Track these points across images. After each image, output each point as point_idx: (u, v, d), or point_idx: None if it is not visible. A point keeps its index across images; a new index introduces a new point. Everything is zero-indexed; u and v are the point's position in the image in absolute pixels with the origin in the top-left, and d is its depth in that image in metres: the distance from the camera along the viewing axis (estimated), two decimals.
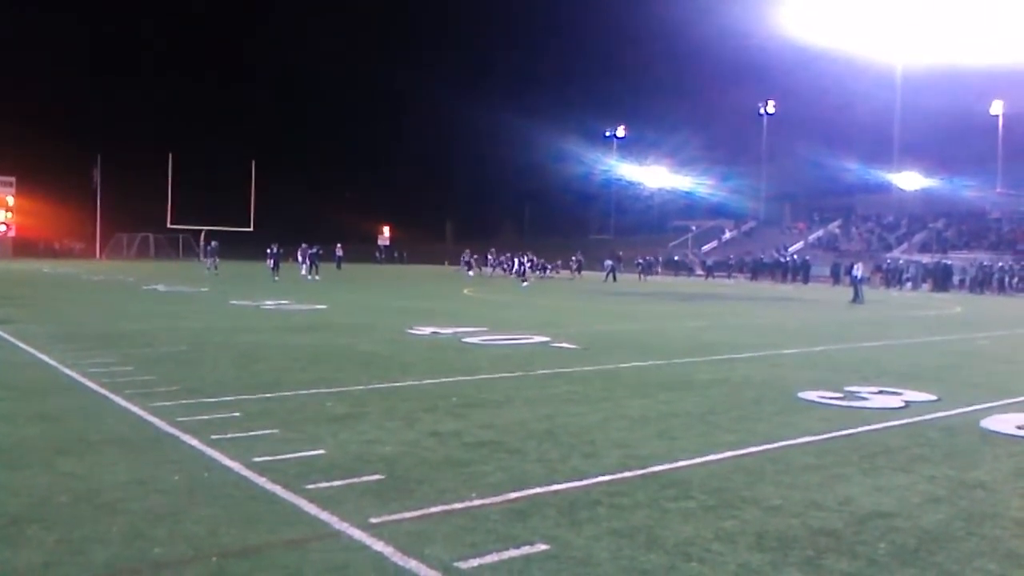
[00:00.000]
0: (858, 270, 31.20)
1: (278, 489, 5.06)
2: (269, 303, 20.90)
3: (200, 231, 69.47)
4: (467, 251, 54.67)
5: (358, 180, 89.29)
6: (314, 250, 33.49)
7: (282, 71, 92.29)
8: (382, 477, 5.37)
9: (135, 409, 7.34)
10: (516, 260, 42.91)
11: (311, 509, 4.71)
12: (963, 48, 62.26)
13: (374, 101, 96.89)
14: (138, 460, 5.71)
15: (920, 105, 67.01)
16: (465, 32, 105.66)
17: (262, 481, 5.21)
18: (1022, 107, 65.73)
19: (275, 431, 6.56)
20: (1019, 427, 7.46)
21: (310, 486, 5.10)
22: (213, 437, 6.27)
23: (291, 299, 22.56)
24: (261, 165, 72.09)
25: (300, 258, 39.09)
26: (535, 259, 47.50)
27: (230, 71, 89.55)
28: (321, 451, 5.98)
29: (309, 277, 34.75)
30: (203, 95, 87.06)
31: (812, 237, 66.98)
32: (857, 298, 28.85)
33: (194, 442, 6.16)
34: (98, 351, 11.07)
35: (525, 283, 37.41)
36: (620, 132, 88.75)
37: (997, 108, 67.91)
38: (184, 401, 7.67)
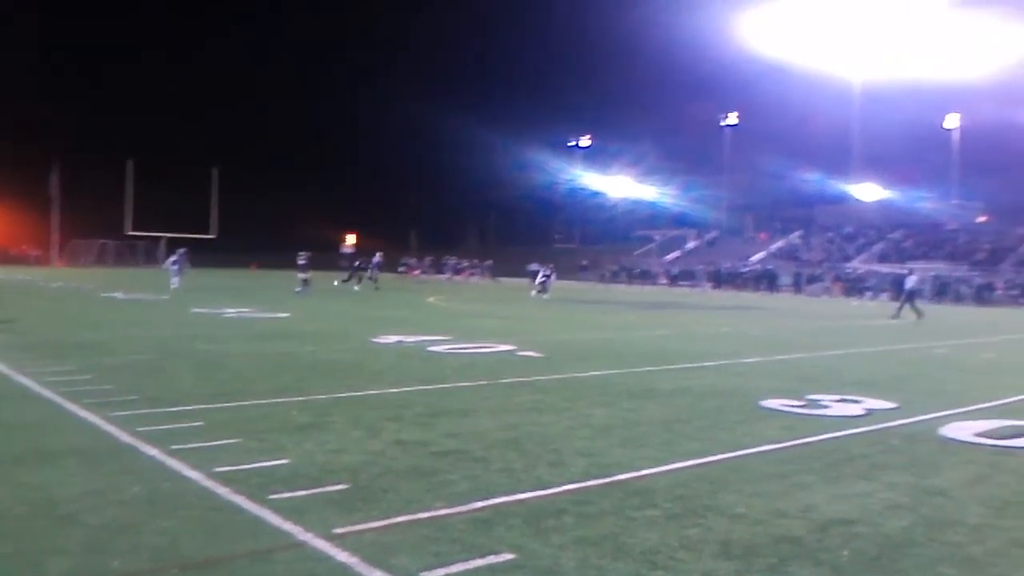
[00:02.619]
0: (912, 282, 27.94)
1: (241, 499, 4.99)
2: (231, 311, 20.66)
3: (160, 238, 68.51)
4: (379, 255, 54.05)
5: (322, 188, 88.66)
6: (303, 261, 31.25)
7: (245, 78, 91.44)
8: (346, 487, 5.33)
9: (94, 419, 7.21)
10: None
11: (274, 519, 4.65)
12: (919, 63, 63.64)
13: (339, 109, 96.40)
14: (97, 471, 5.61)
15: (878, 118, 68.40)
16: (430, 41, 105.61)
17: (224, 491, 5.14)
18: (976, 120, 67.28)
19: (238, 441, 6.48)
20: (977, 435, 7.60)
21: (273, 496, 5.05)
22: (174, 447, 6.17)
23: (253, 307, 22.32)
24: (224, 172, 71.40)
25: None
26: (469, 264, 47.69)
27: (191, 77, 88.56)
28: (285, 461, 5.91)
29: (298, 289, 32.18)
30: (163, 101, 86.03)
31: (773, 247, 67.75)
32: (916, 313, 25.88)
33: (154, 452, 6.06)
34: (56, 359, 10.86)
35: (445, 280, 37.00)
36: (584, 142, 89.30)
37: (952, 122, 69.49)
38: (144, 411, 7.55)
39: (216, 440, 6.46)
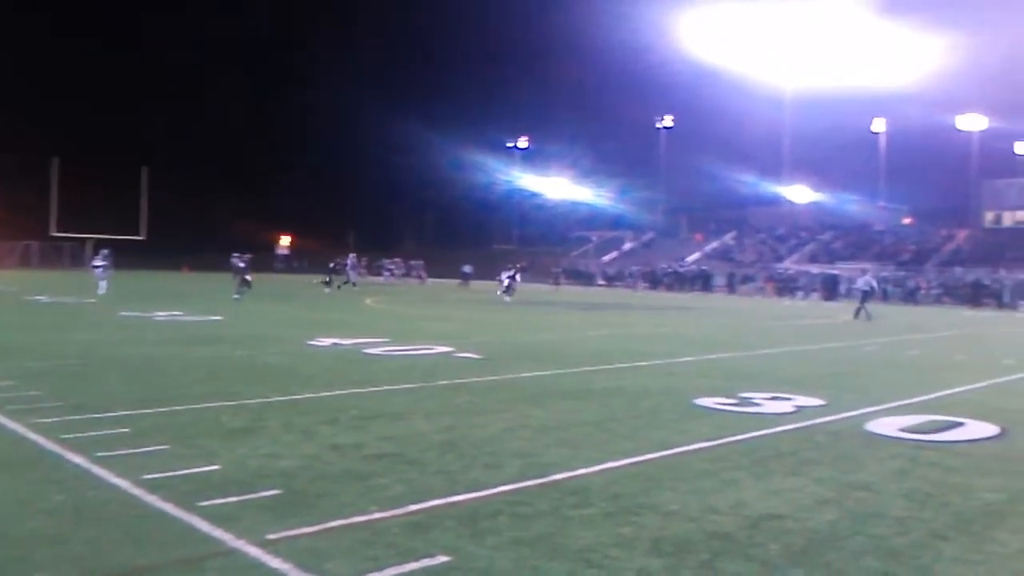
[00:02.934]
0: (863, 283, 28.03)
1: (169, 507, 4.88)
2: (161, 314, 20.19)
3: (87, 239, 66.61)
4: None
5: (256, 188, 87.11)
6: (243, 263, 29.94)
7: (177, 75, 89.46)
8: (280, 492, 5.25)
9: (15, 426, 6.97)
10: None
11: (205, 527, 4.56)
12: (847, 69, 65.52)
13: (274, 109, 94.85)
14: (19, 480, 5.43)
15: (809, 122, 70.21)
16: (368, 40, 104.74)
17: (152, 499, 5.02)
18: (901, 125, 69.51)
19: (167, 447, 6.33)
20: (901, 430, 7.84)
21: (204, 503, 4.95)
22: (100, 454, 6.00)
23: (185, 310, 21.85)
24: (154, 171, 69.70)
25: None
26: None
27: (121, 73, 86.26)
28: (216, 467, 5.80)
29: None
30: (91, 97, 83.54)
31: (708, 248, 68.93)
32: (863, 314, 26.00)
33: (79, 460, 5.89)
34: None
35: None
36: (522, 143, 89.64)
37: (879, 126, 71.67)
38: (69, 417, 7.33)
39: (144, 447, 6.30)
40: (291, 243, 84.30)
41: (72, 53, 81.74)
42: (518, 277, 36.54)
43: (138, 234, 67.61)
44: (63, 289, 32.29)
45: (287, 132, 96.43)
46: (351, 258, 41.29)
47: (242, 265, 29.42)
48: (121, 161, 68.63)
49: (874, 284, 30.22)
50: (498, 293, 34.91)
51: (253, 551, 4.22)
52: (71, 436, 6.56)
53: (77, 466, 5.77)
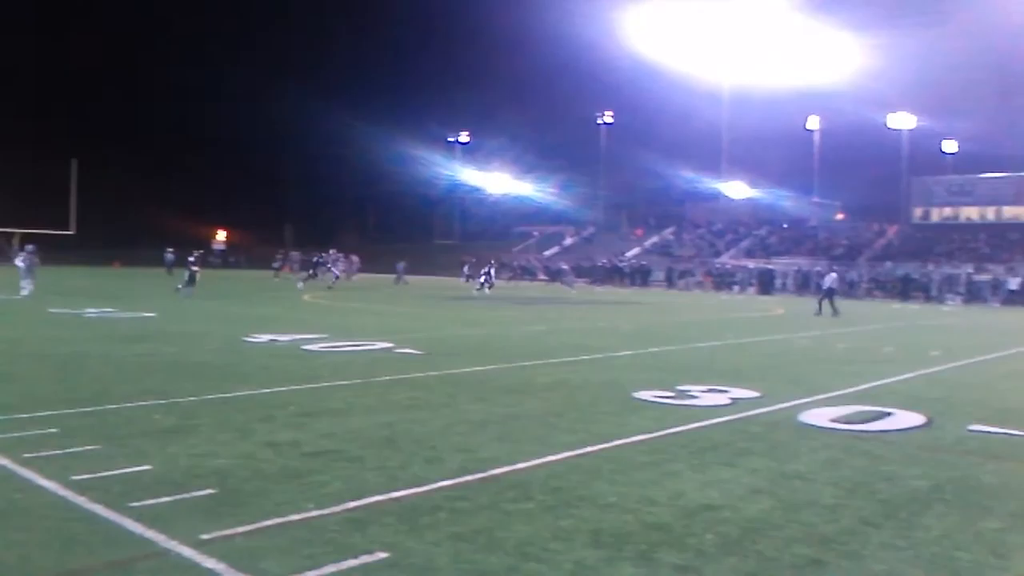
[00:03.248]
0: (830, 280, 27.99)
1: (99, 508, 4.76)
2: (92, 311, 19.65)
3: (12, 234, 64.48)
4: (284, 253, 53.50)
5: (190, 182, 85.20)
6: (193, 257, 28.82)
7: (107, 64, 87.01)
8: (214, 491, 5.16)
9: None
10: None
11: (136, 528, 4.46)
12: (784, 68, 66.82)
13: (207, 101, 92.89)
14: None
15: (745, 118, 71.46)
16: (305, 31, 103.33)
17: (82, 500, 4.89)
18: (835, 123, 71.22)
19: (97, 447, 6.17)
20: (832, 420, 8.04)
21: (135, 504, 4.84)
22: (27, 455, 5.82)
23: (116, 307, 21.30)
24: (83, 164, 67.71)
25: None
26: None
27: (48, 62, 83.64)
28: (147, 467, 5.67)
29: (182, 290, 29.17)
30: (17, 91, 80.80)
31: (647, 243, 69.71)
32: (828, 311, 25.82)
33: (4, 461, 5.71)
34: None
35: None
36: (464, 138, 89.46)
37: (813, 123, 73.31)
38: None
39: (73, 447, 6.13)
40: (227, 238, 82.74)
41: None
42: (493, 273, 36.88)
43: (68, 228, 65.66)
44: None
45: (222, 126, 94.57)
46: (332, 253, 40.98)
47: (191, 259, 28.70)
48: (49, 154, 66.55)
49: (838, 283, 30.23)
50: (475, 292, 35.01)
51: (186, 552, 4.14)
52: None
53: (3, 468, 5.59)
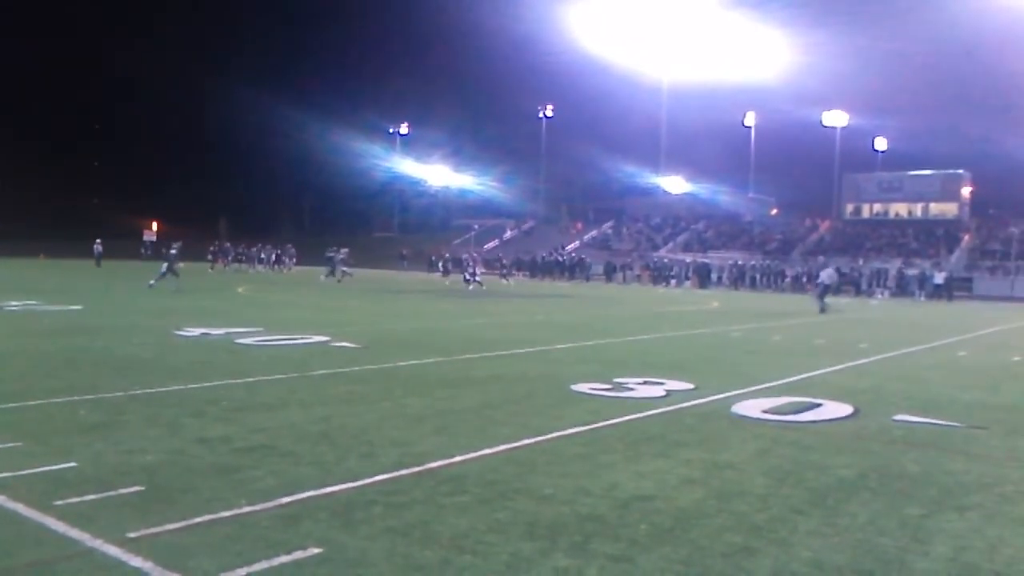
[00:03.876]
0: (826, 276, 27.85)
1: (20, 507, 4.61)
2: (14, 304, 19.02)
3: None
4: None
5: (119, 172, 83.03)
6: (174, 250, 27.43)
7: (29, 47, 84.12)
8: (142, 488, 5.03)
9: None
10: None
11: (59, 527, 4.33)
12: (723, 65, 67.91)
13: (139, 87, 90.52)
14: None
15: (684, 114, 72.46)
16: (243, 21, 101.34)
17: (1, 499, 4.73)
18: (771, 120, 72.65)
19: (18, 444, 5.97)
20: (764, 411, 8.19)
21: (59, 502, 4.69)
22: None
23: (40, 299, 20.64)
24: (5, 153, 65.42)
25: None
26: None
27: None
28: (72, 464, 5.50)
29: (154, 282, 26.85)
30: None
31: (587, 237, 70.22)
32: (822, 305, 25.84)
33: None
34: None
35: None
36: (404, 129, 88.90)
37: (750, 120, 74.64)
38: None
39: None
40: (159, 229, 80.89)
41: None
42: (479, 270, 36.71)
43: None
44: None
45: (155, 115, 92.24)
46: (343, 251, 40.24)
47: (173, 252, 27.41)
48: None
49: (836, 278, 30.10)
50: (470, 288, 34.27)
51: (112, 550, 4.04)
52: None
53: None
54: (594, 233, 71.02)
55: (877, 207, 63.00)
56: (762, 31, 66.21)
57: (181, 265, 27.68)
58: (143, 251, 71.28)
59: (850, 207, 64.11)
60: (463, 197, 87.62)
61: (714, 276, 51.03)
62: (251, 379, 9.32)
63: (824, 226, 62.96)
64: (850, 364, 12.57)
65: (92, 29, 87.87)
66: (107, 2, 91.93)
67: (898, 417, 8.13)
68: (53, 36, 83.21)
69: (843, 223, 62.79)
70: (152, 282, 26.52)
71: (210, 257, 51.96)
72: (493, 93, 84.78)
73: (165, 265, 27.22)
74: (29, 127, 77.22)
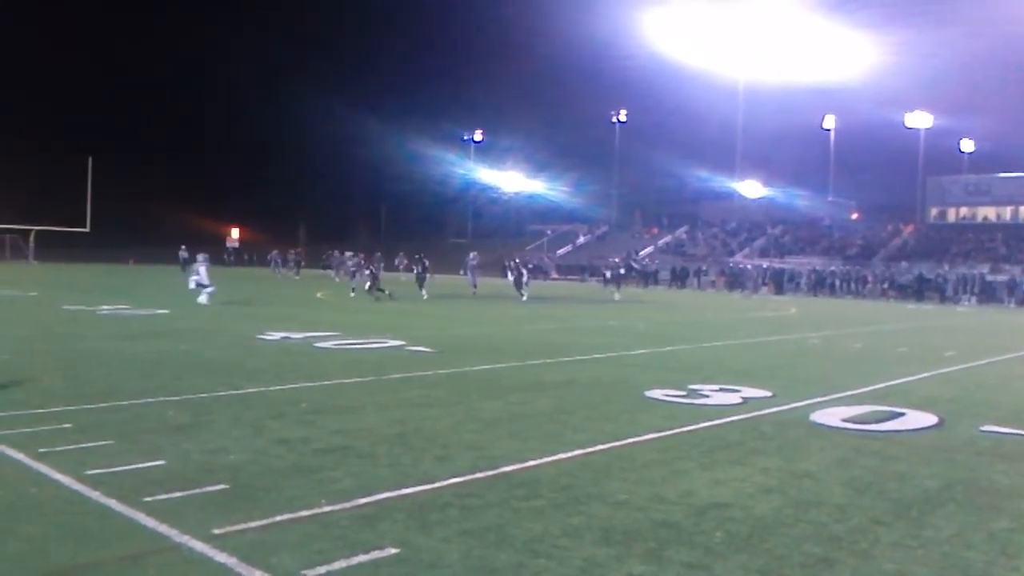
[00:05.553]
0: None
1: (112, 503, 4.81)
2: (106, 308, 19.80)
3: (29, 231, 65.05)
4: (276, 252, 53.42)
5: (205, 180, 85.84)
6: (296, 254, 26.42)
7: (124, 63, 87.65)
8: (226, 487, 5.20)
9: None
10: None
11: (149, 522, 4.50)
12: (800, 66, 66.53)
13: (224, 99, 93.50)
14: None
15: (761, 118, 71.23)
16: (320, 32, 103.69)
17: (95, 495, 4.94)
18: (852, 121, 70.90)
19: (110, 443, 6.22)
20: (844, 420, 8.01)
21: (148, 499, 4.88)
22: (41, 451, 5.88)
23: (130, 304, 21.44)
24: (99, 162, 68.13)
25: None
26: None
27: (65, 60, 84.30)
28: (161, 462, 5.71)
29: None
30: (34, 87, 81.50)
31: (661, 242, 69.55)
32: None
33: (20, 456, 5.76)
34: None
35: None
36: (478, 136, 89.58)
37: (829, 122, 72.94)
38: (9, 413, 7.15)
39: (87, 442, 6.18)
40: (241, 236, 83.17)
41: (17, 42, 79.66)
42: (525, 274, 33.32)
43: (83, 226, 66.13)
44: (4, 282, 31.47)
45: (238, 125, 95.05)
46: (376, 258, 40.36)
47: (373, 265, 27.06)
48: (65, 151, 67.07)
49: None
50: (524, 298, 30.72)
51: (198, 546, 4.18)
52: (11, 432, 6.41)
53: (18, 463, 5.64)
54: (668, 238, 70.30)
55: (963, 210, 60.89)
56: (841, 31, 64.67)
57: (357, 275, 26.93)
58: (226, 257, 73.36)
59: (934, 211, 62.12)
60: (536, 202, 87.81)
61: (792, 282, 49.97)
62: (329, 382, 9.53)
63: (907, 230, 61.09)
64: (935, 372, 12.19)
65: (181, 41, 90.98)
66: (192, 15, 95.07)
67: (985, 427, 7.86)
68: (137, 47, 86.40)
69: (927, 227, 60.86)
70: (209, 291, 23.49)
71: (327, 266, 52.40)
72: (566, 99, 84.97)
73: (369, 276, 27.35)
74: (123, 139, 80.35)
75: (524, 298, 30.50)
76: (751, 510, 5.06)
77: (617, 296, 32.90)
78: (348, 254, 41.50)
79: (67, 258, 60.35)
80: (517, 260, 35.40)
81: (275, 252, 51.82)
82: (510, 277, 34.05)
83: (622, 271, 36.25)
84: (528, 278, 32.60)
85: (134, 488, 5.08)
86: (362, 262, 37.09)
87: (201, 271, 23.63)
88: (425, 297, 28.65)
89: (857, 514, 5.05)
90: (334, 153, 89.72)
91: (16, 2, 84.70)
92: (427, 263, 31.64)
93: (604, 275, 43.19)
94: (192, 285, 23.55)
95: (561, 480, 5.58)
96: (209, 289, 22.89)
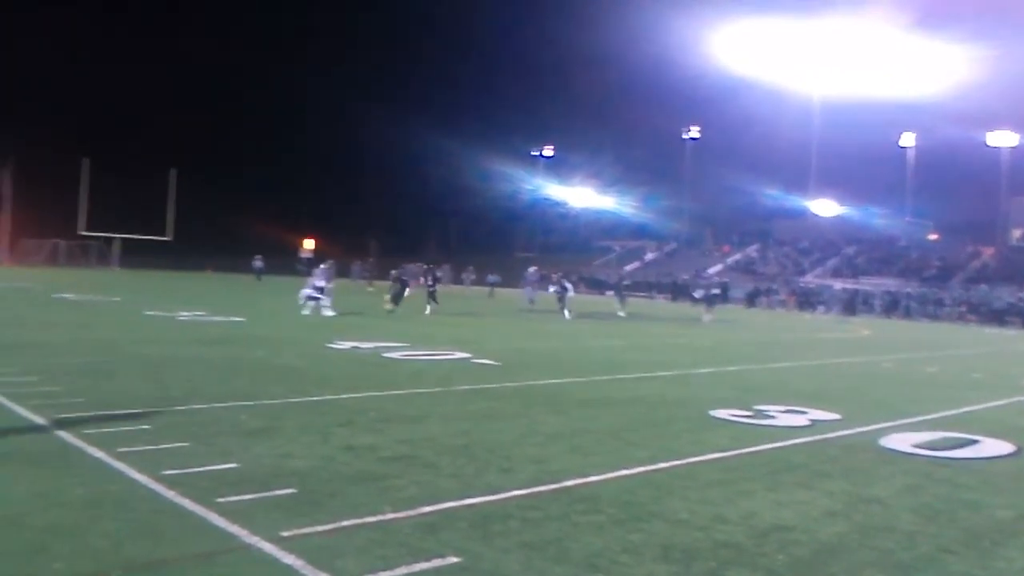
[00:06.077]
0: None
1: (187, 502, 4.99)
2: (184, 314, 20.44)
3: (113, 239, 67.49)
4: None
5: (281, 192, 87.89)
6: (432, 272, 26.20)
7: (206, 77, 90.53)
8: (295, 491, 5.34)
9: (39, 420, 7.12)
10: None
11: (221, 522, 4.66)
12: (877, 82, 65.16)
13: (300, 113, 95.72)
14: (41, 473, 5.55)
15: (836, 135, 69.85)
16: (393, 48, 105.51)
17: (171, 495, 5.13)
18: (929, 140, 68.96)
19: (186, 444, 6.45)
20: (914, 445, 7.82)
21: (220, 499, 5.05)
22: (120, 450, 6.13)
23: (208, 311, 22.09)
24: (181, 173, 70.44)
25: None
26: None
27: (150, 76, 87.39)
28: (233, 465, 5.91)
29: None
30: (121, 100, 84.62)
31: (731, 260, 68.63)
32: None
33: (100, 455, 6.02)
34: (1, 360, 10.66)
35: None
36: (547, 152, 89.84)
37: (907, 140, 71.09)
38: (91, 413, 7.47)
39: (163, 443, 6.42)
40: (315, 247, 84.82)
41: (105, 53, 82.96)
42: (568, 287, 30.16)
43: (165, 235, 68.38)
44: (89, 288, 32.73)
45: (313, 139, 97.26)
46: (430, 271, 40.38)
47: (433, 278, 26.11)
48: (150, 163, 69.47)
49: None
50: (567, 317, 28.01)
51: (267, 547, 4.32)
52: (93, 431, 6.70)
53: (98, 460, 5.90)
54: (738, 256, 69.33)
55: None
56: (920, 46, 63.12)
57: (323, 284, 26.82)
58: (299, 267, 74.89)
59: (1017, 232, 59.98)
60: (605, 218, 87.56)
61: (865, 304, 48.76)
62: (397, 391, 9.69)
63: (988, 252, 59.10)
64: (1012, 400, 11.79)
65: (256, 56, 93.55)
66: (272, 34, 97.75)
67: None
68: (220, 64, 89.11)
69: (1009, 249, 58.77)
70: (322, 301, 23.34)
71: (366, 275, 53.48)
72: (638, 115, 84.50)
73: (428, 292, 26.40)
74: (204, 153, 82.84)
75: (567, 316, 27.84)
76: (815, 534, 4.99)
77: (707, 317, 30.39)
78: (415, 266, 42.19)
79: (149, 265, 62.43)
80: (560, 274, 32.08)
81: (357, 263, 53.14)
82: (552, 291, 31.79)
83: (715, 291, 33.36)
84: (570, 294, 29.39)
85: (207, 489, 5.26)
86: (423, 275, 36.44)
87: (321, 282, 23.51)
88: (427, 312, 25.96)
89: (925, 542, 4.95)
90: (407, 168, 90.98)
91: (111, 13, 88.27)
92: (439, 275, 29.15)
93: (692, 295, 39.66)
94: (303, 299, 23.39)
95: (622, 496, 5.59)
96: (325, 301, 23.06)
